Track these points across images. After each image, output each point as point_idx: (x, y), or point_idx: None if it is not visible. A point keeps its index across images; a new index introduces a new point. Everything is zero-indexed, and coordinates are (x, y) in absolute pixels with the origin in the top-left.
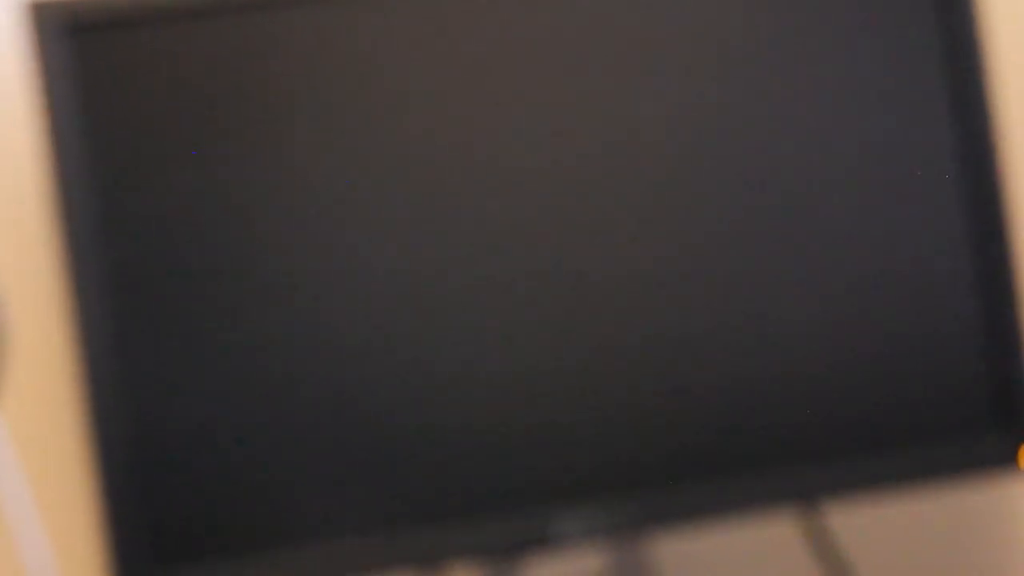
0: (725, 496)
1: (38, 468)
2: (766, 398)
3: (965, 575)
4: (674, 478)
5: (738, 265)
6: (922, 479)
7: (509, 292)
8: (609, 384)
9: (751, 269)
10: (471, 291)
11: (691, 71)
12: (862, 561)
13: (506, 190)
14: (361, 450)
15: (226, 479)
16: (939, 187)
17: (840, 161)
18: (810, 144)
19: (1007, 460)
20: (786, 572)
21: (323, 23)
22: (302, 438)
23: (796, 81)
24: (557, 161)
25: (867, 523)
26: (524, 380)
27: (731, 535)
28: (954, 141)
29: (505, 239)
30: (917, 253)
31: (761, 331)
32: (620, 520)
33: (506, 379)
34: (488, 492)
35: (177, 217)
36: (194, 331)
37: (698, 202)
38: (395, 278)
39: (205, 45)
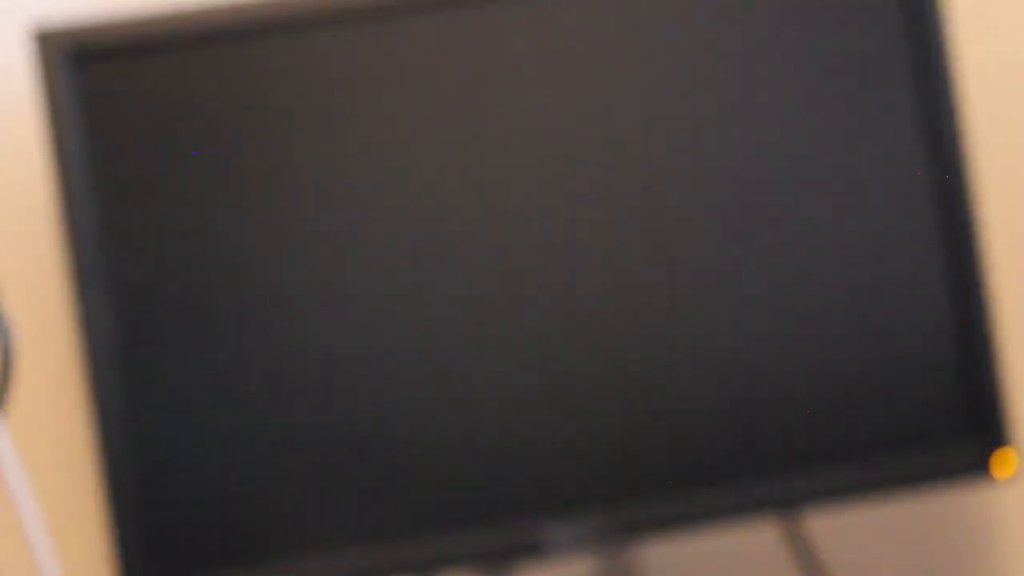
0: (710, 505)
1: (45, 483)
2: (748, 412)
3: None
4: (661, 489)
5: (718, 283)
6: (898, 486)
7: (504, 311)
8: (598, 398)
9: (730, 287)
10: (466, 308)
11: (673, 86)
12: (840, 567)
13: (503, 212)
14: (358, 462)
15: (227, 492)
16: (910, 196)
17: (812, 175)
18: (785, 159)
19: (982, 467)
20: None
21: (322, 50)
22: (301, 451)
23: (762, 97)
24: (554, 182)
25: (844, 529)
26: (516, 394)
27: (715, 542)
28: (924, 150)
29: (500, 257)
30: (889, 264)
31: (741, 346)
32: (608, 529)
33: (499, 393)
34: (481, 501)
35: (180, 237)
36: (197, 349)
37: (682, 218)
38: (396, 292)
39: (206, 72)
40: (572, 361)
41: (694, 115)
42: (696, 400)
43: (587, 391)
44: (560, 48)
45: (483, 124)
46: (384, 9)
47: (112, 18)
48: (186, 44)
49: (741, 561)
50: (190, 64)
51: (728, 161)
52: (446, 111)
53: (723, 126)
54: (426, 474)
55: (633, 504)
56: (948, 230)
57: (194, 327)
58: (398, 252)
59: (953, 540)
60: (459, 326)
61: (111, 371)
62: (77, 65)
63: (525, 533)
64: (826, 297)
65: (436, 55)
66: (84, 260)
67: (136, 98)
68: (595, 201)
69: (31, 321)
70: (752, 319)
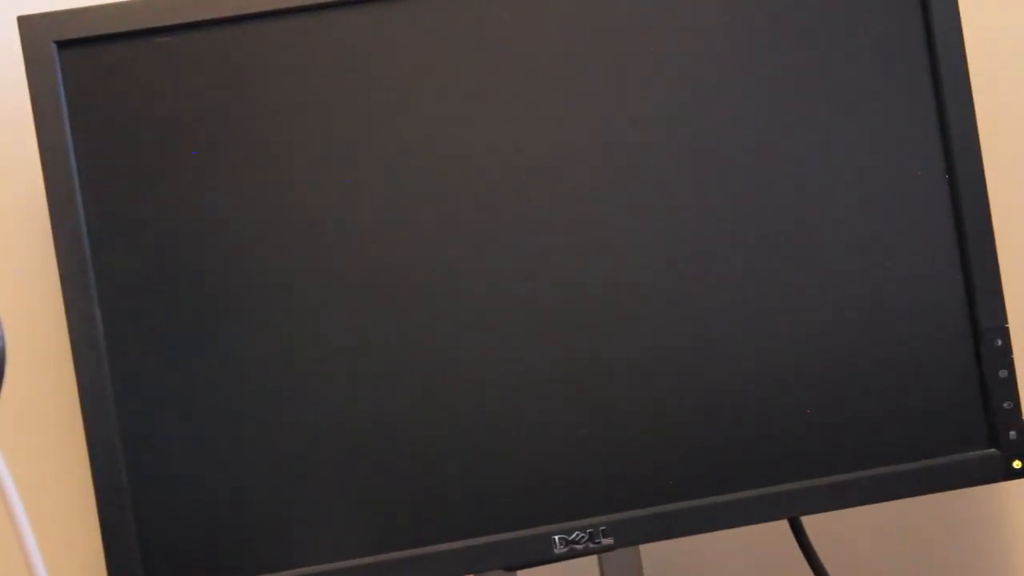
0: (722, 511)
1: (37, 484)
2: (758, 419)
3: None
4: (673, 495)
5: (731, 290)
6: (908, 493)
7: (512, 312)
8: (607, 405)
9: (743, 294)
10: (471, 309)
11: (684, 82)
12: (847, 569)
13: (504, 201)
14: (357, 471)
15: (226, 500)
16: (930, 205)
17: (830, 179)
18: (802, 166)
19: (990, 475)
20: None
21: (302, 35)
22: (300, 461)
23: (782, 94)
24: (555, 169)
25: (850, 535)
26: (519, 399)
27: (722, 548)
28: (943, 159)
29: (503, 254)
30: (908, 267)
31: (756, 355)
32: (616, 536)
33: (501, 399)
34: (484, 507)
35: (165, 232)
36: (189, 356)
37: (694, 222)
38: (394, 297)
39: (187, 57)
40: (583, 372)
41: (708, 111)
42: (711, 408)
43: (591, 394)
44: (575, 34)
45: (481, 124)
46: None
47: (96, 3)
48: (165, 29)
49: (751, 567)
50: (169, 49)
51: (737, 163)
52: (439, 104)
53: (740, 125)
54: (426, 480)
55: (642, 511)
56: (965, 238)
57: (187, 326)
58: (398, 248)
59: (964, 545)
60: (461, 326)
61: (101, 379)
62: (60, 48)
63: (531, 540)
64: (841, 306)
65: (428, 38)
66: (73, 249)
67: (121, 85)
68: (605, 200)
69: (17, 318)
70: (767, 325)
